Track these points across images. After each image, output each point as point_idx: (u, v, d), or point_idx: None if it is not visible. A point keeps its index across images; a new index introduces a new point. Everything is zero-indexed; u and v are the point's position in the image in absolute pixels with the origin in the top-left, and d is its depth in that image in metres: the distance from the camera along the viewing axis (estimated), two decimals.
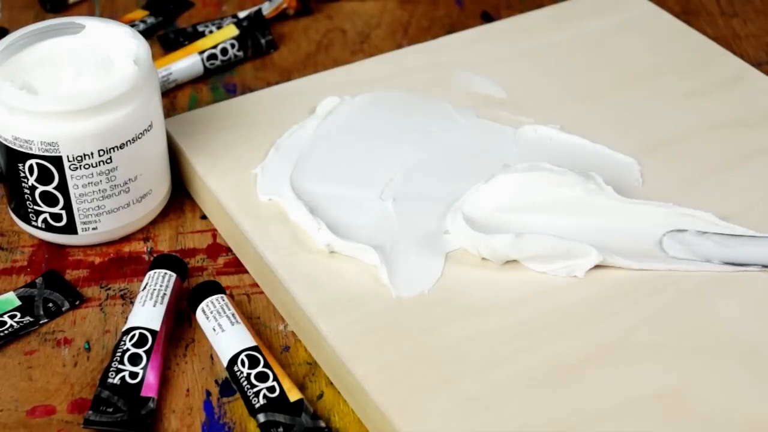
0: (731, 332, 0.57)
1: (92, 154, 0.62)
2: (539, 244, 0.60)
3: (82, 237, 0.65)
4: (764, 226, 0.63)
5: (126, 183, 0.64)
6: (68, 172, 0.62)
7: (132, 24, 0.82)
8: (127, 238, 0.67)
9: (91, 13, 0.85)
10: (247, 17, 0.82)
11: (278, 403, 0.56)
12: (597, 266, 0.61)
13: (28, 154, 0.62)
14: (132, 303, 0.62)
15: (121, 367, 0.57)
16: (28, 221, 0.65)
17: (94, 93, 0.62)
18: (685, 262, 0.61)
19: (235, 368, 0.58)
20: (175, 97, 0.77)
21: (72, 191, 0.63)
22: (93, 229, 0.65)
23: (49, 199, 0.64)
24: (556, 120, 0.71)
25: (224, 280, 0.64)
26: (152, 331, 0.59)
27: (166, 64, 0.77)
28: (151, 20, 0.84)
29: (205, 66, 0.78)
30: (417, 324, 0.58)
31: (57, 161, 0.62)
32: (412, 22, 0.84)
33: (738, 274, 0.60)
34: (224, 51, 0.79)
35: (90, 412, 0.56)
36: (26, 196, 0.64)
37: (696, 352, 0.56)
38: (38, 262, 0.65)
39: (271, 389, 0.57)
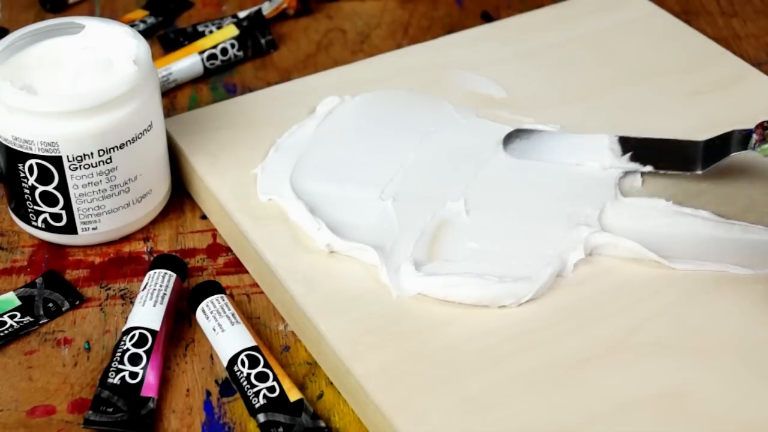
0: (731, 332, 0.57)
1: (92, 154, 0.62)
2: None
3: (82, 237, 0.65)
4: (764, 225, 0.63)
5: (126, 183, 0.64)
6: (68, 172, 0.62)
7: (132, 24, 0.82)
8: (127, 238, 0.67)
9: (91, 13, 0.85)
10: (247, 17, 0.82)
11: (278, 403, 0.56)
12: (598, 266, 0.61)
13: (28, 154, 0.62)
14: (132, 303, 0.62)
15: (121, 367, 0.57)
16: (28, 221, 0.65)
17: (94, 93, 0.62)
18: (681, 262, 0.61)
19: (235, 368, 0.58)
20: (175, 97, 0.77)
21: (72, 191, 0.63)
22: (93, 229, 0.65)
23: (49, 199, 0.64)
24: (556, 120, 0.71)
25: (224, 280, 0.64)
26: (152, 331, 0.59)
27: (166, 64, 0.77)
28: (151, 20, 0.84)
29: (205, 66, 0.78)
30: (417, 324, 0.58)
31: (57, 161, 0.62)
32: (412, 22, 0.84)
33: (739, 275, 0.60)
34: (224, 51, 0.79)
35: (90, 412, 0.56)
36: (26, 196, 0.64)
37: (696, 352, 0.56)
38: (38, 262, 0.65)
39: (271, 389, 0.57)
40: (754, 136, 0.60)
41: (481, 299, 0.58)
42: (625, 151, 0.65)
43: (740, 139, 0.62)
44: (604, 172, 0.66)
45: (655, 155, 0.65)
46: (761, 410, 0.54)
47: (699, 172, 0.64)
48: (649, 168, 0.65)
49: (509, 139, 0.67)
